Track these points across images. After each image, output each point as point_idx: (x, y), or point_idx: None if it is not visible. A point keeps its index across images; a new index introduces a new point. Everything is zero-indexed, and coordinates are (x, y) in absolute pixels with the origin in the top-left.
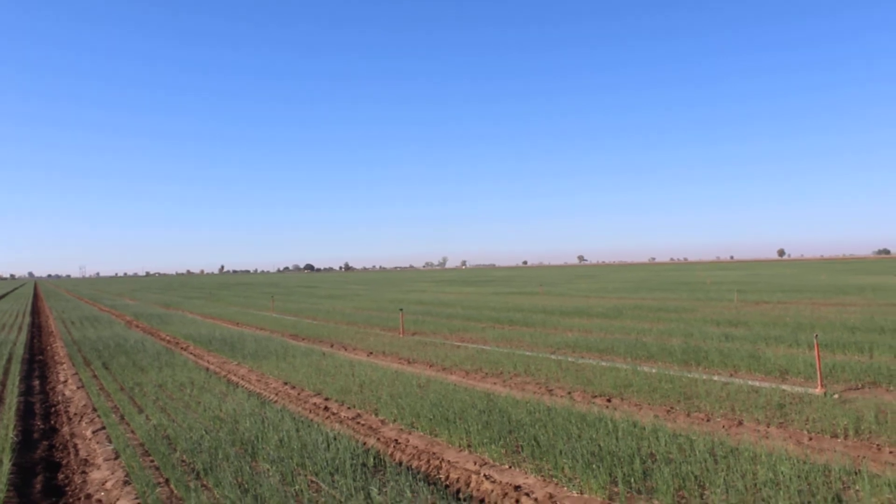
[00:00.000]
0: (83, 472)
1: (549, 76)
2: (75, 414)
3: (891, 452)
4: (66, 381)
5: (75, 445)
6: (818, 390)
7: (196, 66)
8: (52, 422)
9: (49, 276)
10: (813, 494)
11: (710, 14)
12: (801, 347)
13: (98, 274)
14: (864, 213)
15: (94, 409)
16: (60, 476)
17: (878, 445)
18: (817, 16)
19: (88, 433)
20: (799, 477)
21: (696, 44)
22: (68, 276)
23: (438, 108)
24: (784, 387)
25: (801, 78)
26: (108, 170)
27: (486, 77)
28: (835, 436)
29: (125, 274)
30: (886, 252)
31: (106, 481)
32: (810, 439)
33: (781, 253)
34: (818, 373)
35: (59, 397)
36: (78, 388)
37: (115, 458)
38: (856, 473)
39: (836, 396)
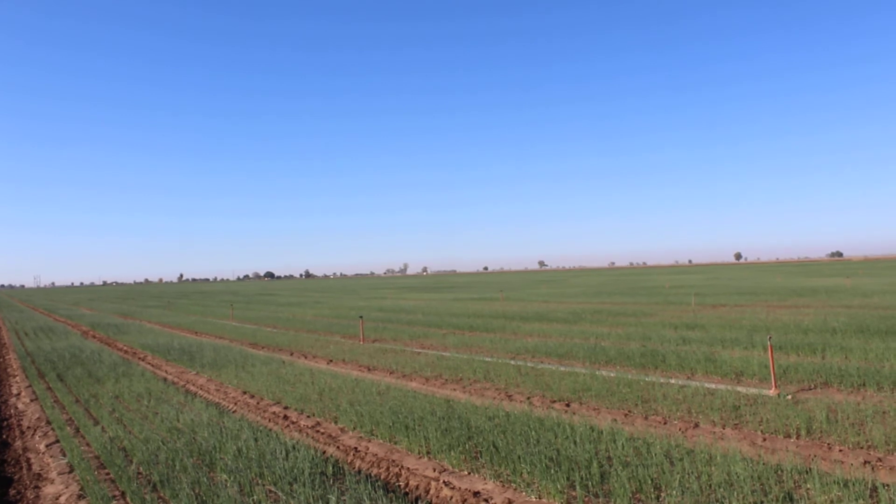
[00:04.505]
0: (36, 486)
1: (504, 86)
2: (28, 427)
3: (840, 451)
4: (18, 394)
5: (28, 460)
6: (772, 391)
7: (150, 78)
8: (4, 436)
9: (2, 286)
10: (765, 494)
11: (673, 27)
12: (757, 349)
13: (53, 283)
14: (817, 217)
15: (48, 422)
16: (12, 492)
17: (828, 445)
18: (770, 19)
19: (42, 447)
20: (752, 477)
21: (655, 55)
22: (22, 287)
23: (397, 119)
24: (739, 388)
25: (755, 85)
26: (63, 178)
27: (440, 87)
28: (787, 436)
29: (81, 283)
30: (839, 255)
31: (60, 496)
32: (764, 440)
33: (738, 256)
34: (772, 374)
35: (12, 410)
36: (31, 400)
37: (70, 472)
38: (807, 472)
39: (789, 397)
